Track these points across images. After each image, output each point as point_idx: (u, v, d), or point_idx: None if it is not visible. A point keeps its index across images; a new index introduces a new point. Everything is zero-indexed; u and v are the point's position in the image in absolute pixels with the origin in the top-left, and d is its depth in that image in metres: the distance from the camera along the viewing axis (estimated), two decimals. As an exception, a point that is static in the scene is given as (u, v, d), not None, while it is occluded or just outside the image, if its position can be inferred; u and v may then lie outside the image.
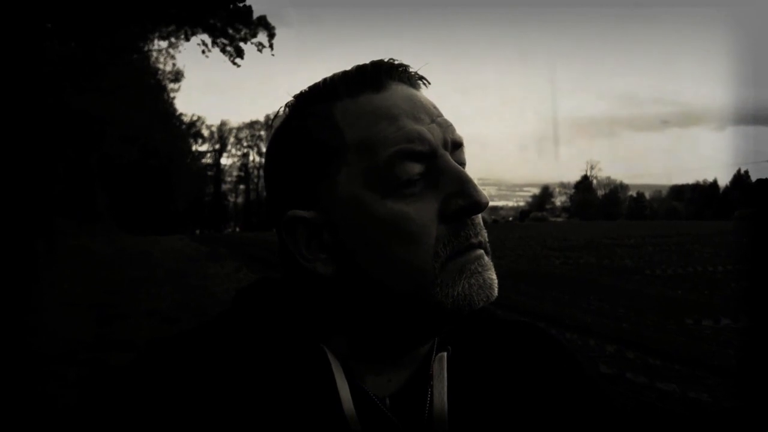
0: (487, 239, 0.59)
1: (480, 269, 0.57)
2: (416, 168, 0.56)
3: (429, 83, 0.63)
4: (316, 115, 0.59)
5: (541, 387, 0.65)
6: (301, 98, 0.62)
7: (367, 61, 0.60)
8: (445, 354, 0.61)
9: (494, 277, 0.58)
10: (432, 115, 0.59)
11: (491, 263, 0.59)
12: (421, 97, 0.61)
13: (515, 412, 0.63)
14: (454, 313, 0.56)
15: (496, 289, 0.57)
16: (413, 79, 0.62)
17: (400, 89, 0.60)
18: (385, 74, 0.60)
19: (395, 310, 0.57)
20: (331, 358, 0.58)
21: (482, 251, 0.58)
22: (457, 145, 0.60)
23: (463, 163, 0.61)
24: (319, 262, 0.58)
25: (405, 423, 0.59)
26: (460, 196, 0.56)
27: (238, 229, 69.39)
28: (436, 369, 0.61)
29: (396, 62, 0.61)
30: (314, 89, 0.61)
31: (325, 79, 0.61)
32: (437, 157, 0.57)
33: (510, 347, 0.68)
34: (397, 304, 0.56)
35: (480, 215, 0.59)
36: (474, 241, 0.57)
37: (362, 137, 0.57)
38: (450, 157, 0.58)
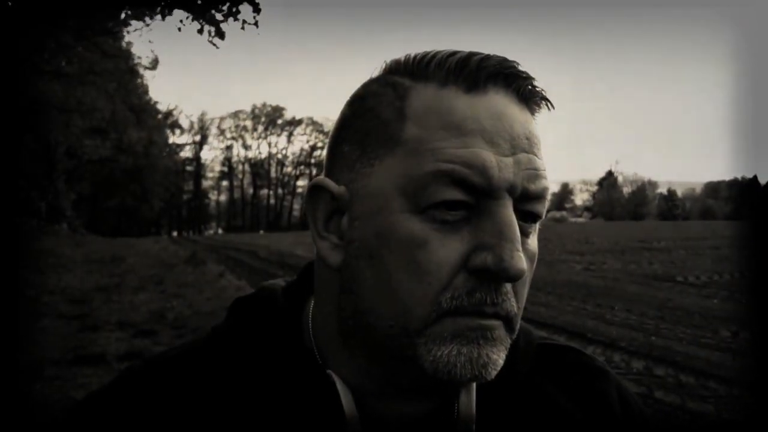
0: (514, 311, 0.53)
1: (481, 341, 0.51)
2: (458, 196, 0.51)
3: (552, 107, 0.57)
4: (395, 88, 0.56)
5: (582, 421, 0.64)
6: (401, 59, 0.59)
7: (470, 53, 0.55)
8: (474, 383, 0.59)
9: (496, 356, 0.52)
10: (516, 147, 0.53)
11: (505, 340, 0.53)
12: (517, 118, 0.54)
13: None
14: (431, 375, 0.52)
15: (491, 370, 0.52)
16: (524, 92, 0.56)
17: (496, 100, 0.54)
18: (487, 77, 0.54)
19: (377, 343, 0.54)
20: (337, 381, 0.57)
21: (498, 324, 0.52)
22: (531, 197, 0.54)
23: (534, 216, 0.55)
24: (329, 244, 0.57)
25: None
26: (491, 253, 0.50)
27: (220, 231, 69.44)
28: (464, 399, 0.59)
29: (509, 68, 0.55)
30: (413, 57, 0.58)
31: (434, 52, 0.57)
32: (492, 199, 0.52)
33: (548, 375, 0.66)
34: (379, 337, 0.54)
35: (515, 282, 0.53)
36: (488, 310, 0.52)
37: (419, 137, 0.53)
38: (509, 206, 0.52)
